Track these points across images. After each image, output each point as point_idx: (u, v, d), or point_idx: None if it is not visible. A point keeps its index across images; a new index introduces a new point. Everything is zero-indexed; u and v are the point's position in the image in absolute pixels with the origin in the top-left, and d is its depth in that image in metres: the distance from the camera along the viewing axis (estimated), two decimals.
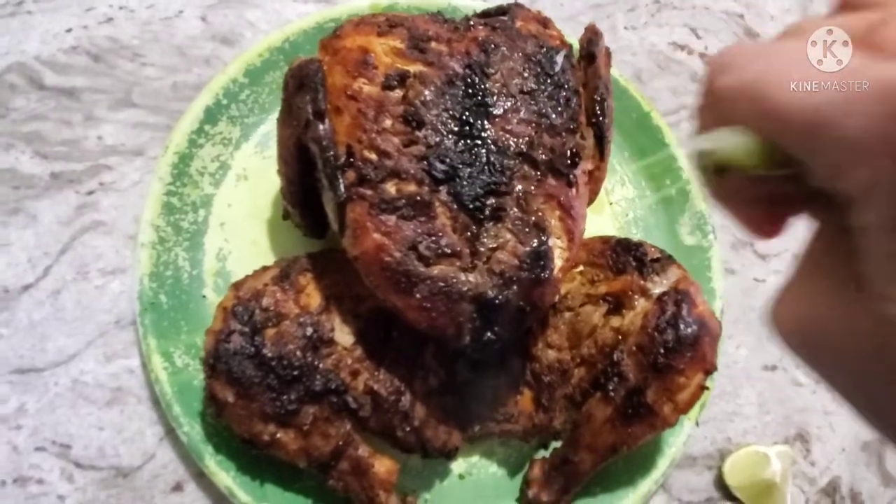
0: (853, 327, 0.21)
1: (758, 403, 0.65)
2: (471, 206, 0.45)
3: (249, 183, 0.59)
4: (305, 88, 0.46)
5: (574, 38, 0.66)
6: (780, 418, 0.65)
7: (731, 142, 0.23)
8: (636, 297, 0.52)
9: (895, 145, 0.18)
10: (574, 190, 0.48)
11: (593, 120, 0.51)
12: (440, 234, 0.45)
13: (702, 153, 0.24)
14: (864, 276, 0.20)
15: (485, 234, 0.45)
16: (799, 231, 0.72)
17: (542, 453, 0.57)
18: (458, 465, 0.56)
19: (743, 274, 0.69)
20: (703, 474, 0.62)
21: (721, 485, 0.61)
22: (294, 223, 0.55)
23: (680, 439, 0.58)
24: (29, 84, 0.59)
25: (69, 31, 0.61)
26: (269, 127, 0.61)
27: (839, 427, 0.66)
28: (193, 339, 0.54)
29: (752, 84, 0.22)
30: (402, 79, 0.46)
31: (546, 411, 0.54)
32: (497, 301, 0.45)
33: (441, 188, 0.45)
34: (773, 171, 0.23)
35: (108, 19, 0.62)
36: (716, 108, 0.24)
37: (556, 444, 0.57)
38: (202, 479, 0.53)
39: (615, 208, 0.67)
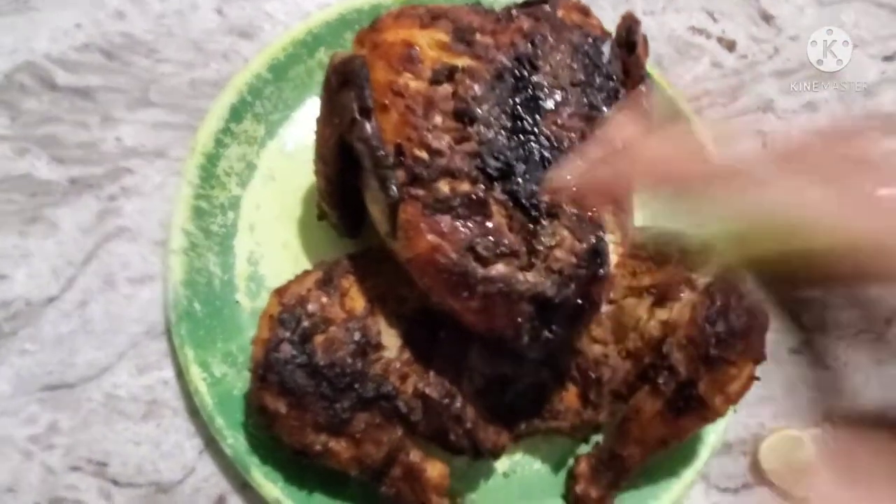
0: None
1: (787, 386, 0.66)
2: (526, 204, 0.44)
3: (277, 183, 0.57)
4: (350, 85, 0.44)
5: None
6: (808, 401, 0.66)
7: None
8: (681, 288, 0.52)
9: None
10: None
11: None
12: (497, 233, 0.43)
13: None
14: None
15: (542, 232, 0.44)
16: None
17: (585, 448, 0.57)
18: (501, 464, 0.56)
19: None
20: (738, 460, 0.62)
21: (757, 470, 0.62)
22: (331, 224, 0.54)
23: (720, 427, 0.58)
24: (40, 84, 0.55)
25: (79, 26, 0.57)
26: (293, 123, 0.59)
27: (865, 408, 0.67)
28: (229, 346, 0.52)
29: None
30: (451, 73, 0.45)
31: (595, 407, 0.53)
32: (556, 300, 0.44)
33: (496, 186, 0.44)
34: None
35: (119, 13, 0.58)
36: None
37: (597, 438, 0.56)
38: (245, 490, 0.51)
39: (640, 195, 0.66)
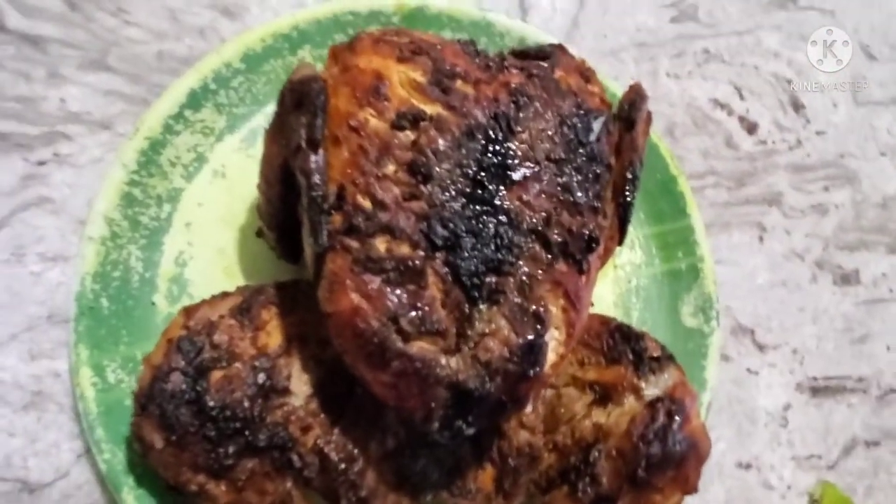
0: None
1: (724, 501, 0.62)
2: (467, 283, 0.39)
3: (227, 182, 0.53)
4: (303, 109, 0.40)
5: (612, 78, 0.60)
6: None
7: None
8: (626, 394, 0.47)
9: None
10: (584, 278, 0.42)
11: (620, 200, 0.45)
12: (427, 308, 0.39)
13: None
14: None
15: (477, 317, 0.39)
16: (803, 327, 0.65)
17: None
18: None
19: (737, 362, 0.65)
20: None
21: None
22: (268, 244, 0.49)
23: None
24: None
25: None
26: (260, 121, 0.54)
27: None
28: (133, 351, 0.48)
29: None
30: (416, 120, 0.40)
31: (507, 497, 0.49)
32: (476, 393, 0.39)
33: (437, 256, 0.39)
34: None
35: None
36: None
37: None
38: None
39: (619, 272, 0.62)
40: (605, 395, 0.48)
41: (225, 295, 0.46)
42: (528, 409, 0.42)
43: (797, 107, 0.70)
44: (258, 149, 0.53)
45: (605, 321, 0.51)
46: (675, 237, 0.62)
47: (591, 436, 0.47)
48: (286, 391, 0.44)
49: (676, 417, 0.45)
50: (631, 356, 0.48)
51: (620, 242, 0.47)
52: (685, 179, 0.62)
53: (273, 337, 0.45)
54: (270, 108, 0.54)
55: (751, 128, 0.69)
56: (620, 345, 0.49)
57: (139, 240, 0.49)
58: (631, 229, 0.62)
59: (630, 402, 0.47)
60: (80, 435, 0.48)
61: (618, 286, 0.61)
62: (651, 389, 0.47)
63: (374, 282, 0.39)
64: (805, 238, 0.69)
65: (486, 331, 0.39)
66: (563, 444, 0.49)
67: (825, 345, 0.68)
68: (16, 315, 0.48)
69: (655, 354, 0.48)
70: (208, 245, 0.51)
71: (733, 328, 0.65)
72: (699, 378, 0.59)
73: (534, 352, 0.40)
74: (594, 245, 0.42)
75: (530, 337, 0.40)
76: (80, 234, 0.50)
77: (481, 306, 0.39)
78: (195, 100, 0.51)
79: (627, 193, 0.45)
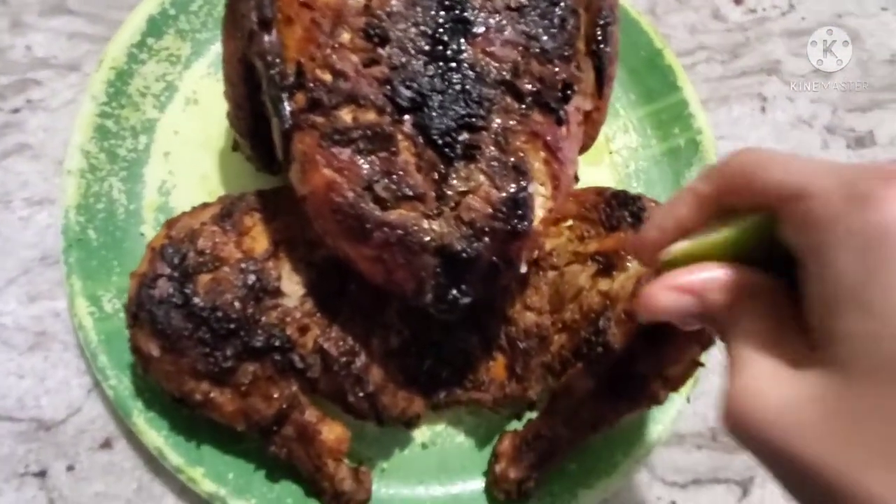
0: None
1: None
2: (439, 142, 0.38)
3: (200, 108, 0.52)
4: None
5: None
6: None
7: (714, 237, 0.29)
8: (629, 257, 0.46)
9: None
10: (564, 129, 0.41)
11: (593, 48, 0.43)
12: (402, 172, 0.38)
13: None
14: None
15: (454, 176, 0.38)
16: None
17: (515, 425, 0.52)
18: (421, 434, 0.51)
19: None
20: (691, 453, 0.57)
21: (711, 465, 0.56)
22: (244, 155, 0.49)
23: (668, 416, 0.53)
24: None
25: None
26: None
27: None
28: (126, 281, 0.47)
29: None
30: None
31: (520, 380, 0.48)
32: (465, 255, 0.38)
33: (405, 118, 0.38)
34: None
35: None
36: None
37: (531, 415, 0.51)
38: (133, 437, 0.47)
39: (615, 158, 0.60)
40: (608, 264, 0.47)
41: (205, 205, 0.45)
42: (523, 269, 0.40)
43: None
44: None
45: (599, 191, 0.49)
46: (669, 114, 0.60)
47: (598, 306, 0.46)
48: (278, 292, 0.43)
49: None
50: (630, 219, 0.47)
51: (601, 97, 0.45)
52: (672, 53, 0.59)
53: (259, 242, 0.44)
54: None
55: None
56: (618, 210, 0.47)
57: (119, 172, 0.49)
58: (623, 112, 0.60)
59: (634, 265, 0.45)
60: (88, 370, 0.48)
61: (616, 172, 0.59)
62: None
63: (344, 153, 0.38)
64: (811, 104, 0.66)
65: (466, 189, 0.38)
66: (571, 321, 0.47)
67: None
68: (10, 260, 0.48)
69: None
70: (190, 172, 0.51)
71: None
72: None
73: (519, 205, 0.39)
74: (570, 92, 0.40)
75: (512, 189, 0.38)
76: (61, 175, 0.50)
77: (457, 164, 0.38)
78: (156, 26, 0.51)
79: (600, 41, 0.43)
